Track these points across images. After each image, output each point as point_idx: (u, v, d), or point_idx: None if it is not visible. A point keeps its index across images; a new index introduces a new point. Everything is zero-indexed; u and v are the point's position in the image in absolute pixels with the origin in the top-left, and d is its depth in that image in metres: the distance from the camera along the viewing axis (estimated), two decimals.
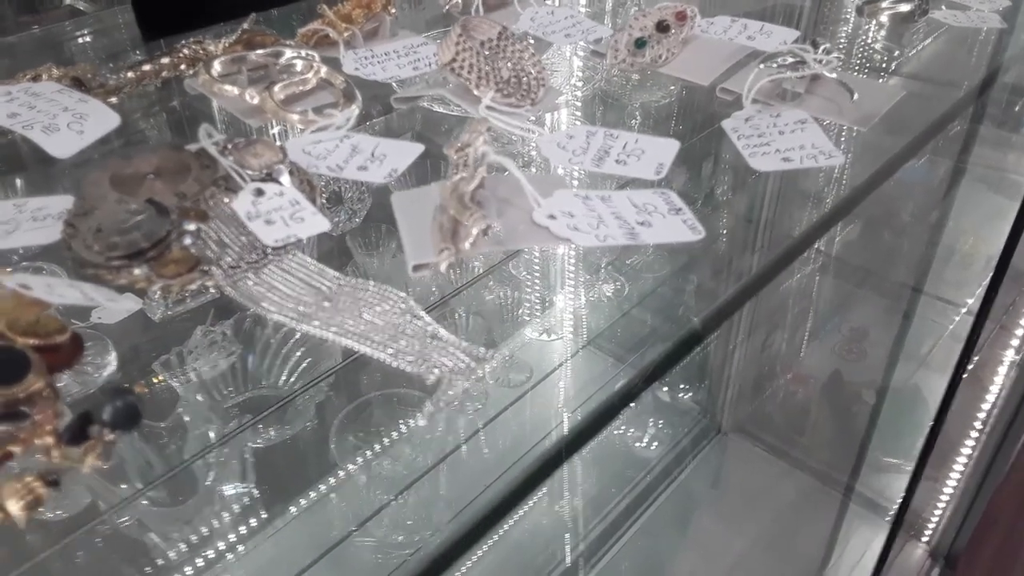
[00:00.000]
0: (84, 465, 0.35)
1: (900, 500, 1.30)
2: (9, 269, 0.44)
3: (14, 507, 0.33)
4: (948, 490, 1.55)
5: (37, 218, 0.50)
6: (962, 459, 1.54)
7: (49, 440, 0.35)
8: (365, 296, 0.46)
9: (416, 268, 0.48)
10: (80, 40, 0.89)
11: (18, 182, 0.63)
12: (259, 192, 0.49)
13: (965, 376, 1.41)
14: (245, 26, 0.68)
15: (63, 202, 0.51)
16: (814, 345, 1.68)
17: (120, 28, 0.89)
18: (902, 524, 1.32)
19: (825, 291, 1.67)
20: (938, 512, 1.56)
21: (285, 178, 0.50)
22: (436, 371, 0.42)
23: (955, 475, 1.54)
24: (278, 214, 0.48)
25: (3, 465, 0.35)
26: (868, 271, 1.66)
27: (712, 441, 1.61)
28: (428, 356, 0.42)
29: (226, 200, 0.49)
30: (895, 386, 1.47)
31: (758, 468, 1.58)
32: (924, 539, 1.59)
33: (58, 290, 0.40)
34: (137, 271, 0.44)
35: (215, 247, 0.46)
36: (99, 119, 0.58)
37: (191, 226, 0.47)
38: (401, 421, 0.90)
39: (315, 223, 0.49)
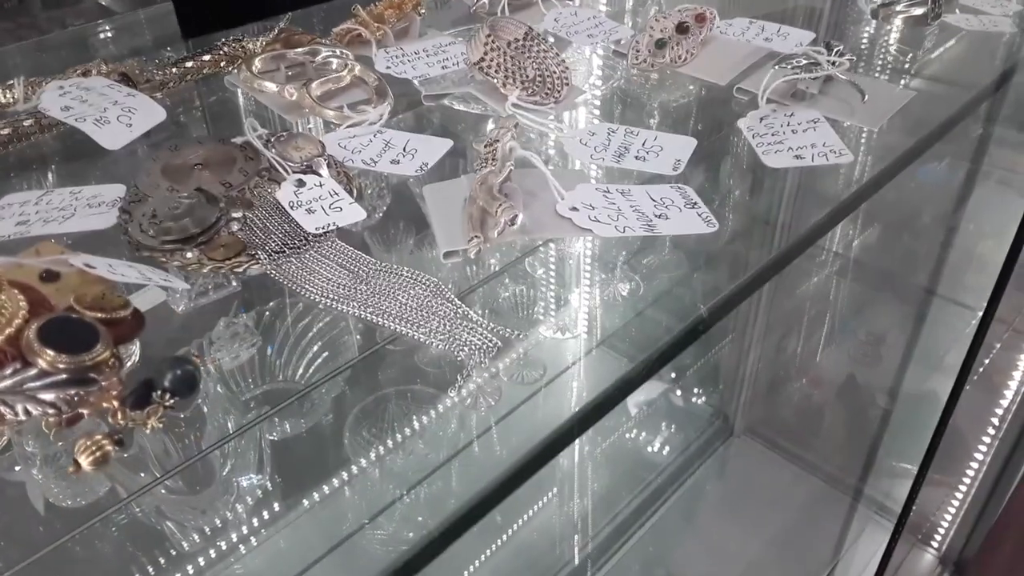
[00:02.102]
0: (146, 427, 0.39)
1: (903, 504, 1.31)
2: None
3: (85, 462, 0.37)
4: (959, 495, 1.56)
5: (92, 205, 0.54)
6: (974, 464, 1.54)
7: (115, 404, 0.38)
8: (399, 280, 0.49)
9: (447, 255, 0.51)
10: (103, 36, 0.93)
11: (49, 172, 0.66)
12: (300, 183, 0.52)
13: (976, 379, 1.42)
14: (282, 25, 0.71)
15: (115, 190, 0.55)
16: (830, 349, 1.68)
17: (143, 26, 0.93)
18: (903, 527, 1.33)
19: (842, 294, 1.68)
20: (948, 517, 1.57)
21: (324, 170, 0.53)
22: (465, 349, 0.44)
23: (967, 480, 1.55)
24: (318, 204, 0.52)
25: (74, 425, 0.38)
26: (886, 274, 1.67)
27: (724, 444, 1.62)
28: (458, 335, 0.45)
29: (269, 190, 0.52)
30: (910, 391, 1.48)
31: (770, 471, 1.59)
32: (934, 544, 1.59)
33: (119, 270, 0.43)
34: (189, 254, 0.48)
35: (260, 233, 0.50)
36: (146, 113, 0.61)
37: (238, 214, 0.50)
38: (415, 417, 0.92)
39: (352, 212, 0.52)
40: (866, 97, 0.66)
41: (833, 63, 0.65)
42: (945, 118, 0.69)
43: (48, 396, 0.38)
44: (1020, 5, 0.92)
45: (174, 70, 0.66)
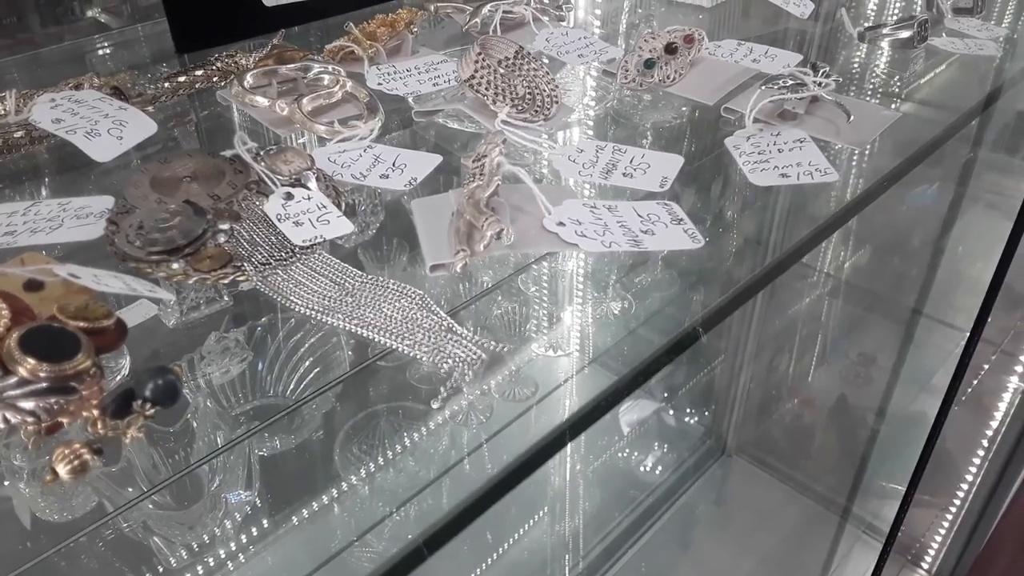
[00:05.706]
0: (126, 436, 0.38)
1: (891, 523, 1.31)
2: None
3: (63, 470, 0.36)
4: (949, 515, 1.56)
5: (80, 216, 0.54)
6: (964, 484, 1.54)
7: (95, 413, 0.38)
8: (385, 292, 0.49)
9: (433, 268, 0.51)
10: (100, 52, 0.93)
11: (41, 185, 0.66)
12: (289, 196, 0.53)
13: (964, 400, 1.42)
14: (275, 41, 0.71)
15: (104, 202, 0.55)
16: (821, 369, 1.69)
17: (141, 42, 0.94)
18: (892, 547, 1.33)
19: (834, 315, 1.68)
20: (939, 538, 1.57)
21: (313, 184, 0.54)
22: (449, 361, 0.44)
23: (956, 500, 1.55)
24: (306, 216, 0.52)
25: (54, 434, 0.38)
26: (876, 296, 1.67)
27: (716, 462, 1.62)
28: (443, 348, 0.45)
29: (258, 203, 0.52)
30: (899, 411, 1.48)
31: (761, 490, 1.59)
32: (924, 565, 1.59)
33: (104, 280, 0.43)
34: (175, 265, 0.48)
35: (247, 245, 0.50)
36: (137, 126, 0.62)
37: (225, 226, 0.50)
38: (405, 433, 0.91)
39: (340, 225, 0.52)
40: (851, 117, 0.67)
41: (819, 84, 0.66)
42: (930, 139, 0.70)
43: (28, 404, 0.38)
44: (1006, 29, 0.93)
45: (166, 84, 0.67)
